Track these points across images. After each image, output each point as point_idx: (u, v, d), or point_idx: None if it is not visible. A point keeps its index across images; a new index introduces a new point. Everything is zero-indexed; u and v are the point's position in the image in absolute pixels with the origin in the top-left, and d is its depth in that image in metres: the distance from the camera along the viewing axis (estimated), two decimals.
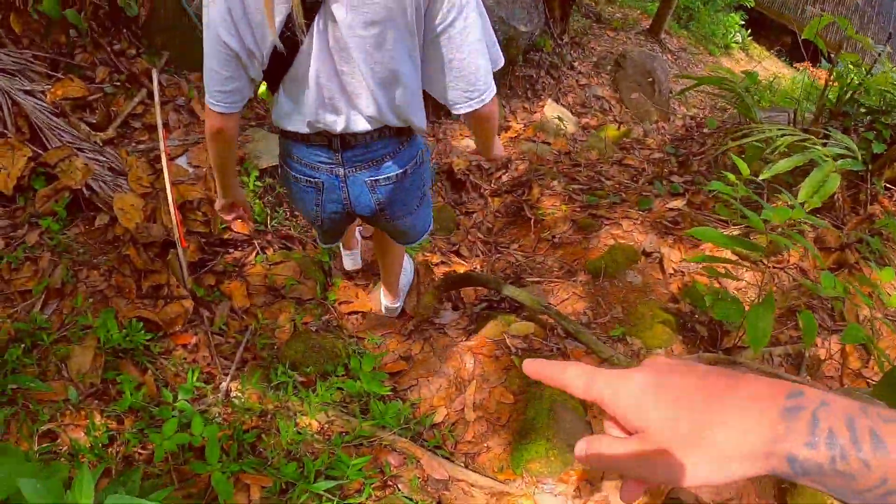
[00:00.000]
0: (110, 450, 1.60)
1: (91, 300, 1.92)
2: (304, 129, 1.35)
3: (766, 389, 0.41)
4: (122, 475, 1.29)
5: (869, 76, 2.74)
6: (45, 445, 1.52)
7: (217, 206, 1.66)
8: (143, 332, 1.94)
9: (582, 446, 0.46)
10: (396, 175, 1.48)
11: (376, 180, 1.47)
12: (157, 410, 1.73)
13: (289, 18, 1.13)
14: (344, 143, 1.38)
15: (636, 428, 0.44)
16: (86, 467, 1.07)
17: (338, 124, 1.31)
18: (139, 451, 1.64)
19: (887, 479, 0.36)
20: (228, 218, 1.70)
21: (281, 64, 1.21)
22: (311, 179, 1.47)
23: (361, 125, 1.32)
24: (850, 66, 2.77)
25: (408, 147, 1.47)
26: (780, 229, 1.67)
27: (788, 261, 1.87)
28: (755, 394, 0.41)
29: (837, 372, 2.00)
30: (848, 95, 2.76)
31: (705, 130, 3.57)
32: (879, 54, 3.10)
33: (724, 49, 7.53)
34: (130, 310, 1.93)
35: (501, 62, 1.32)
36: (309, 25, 1.14)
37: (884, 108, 2.60)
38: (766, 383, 0.41)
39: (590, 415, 1.99)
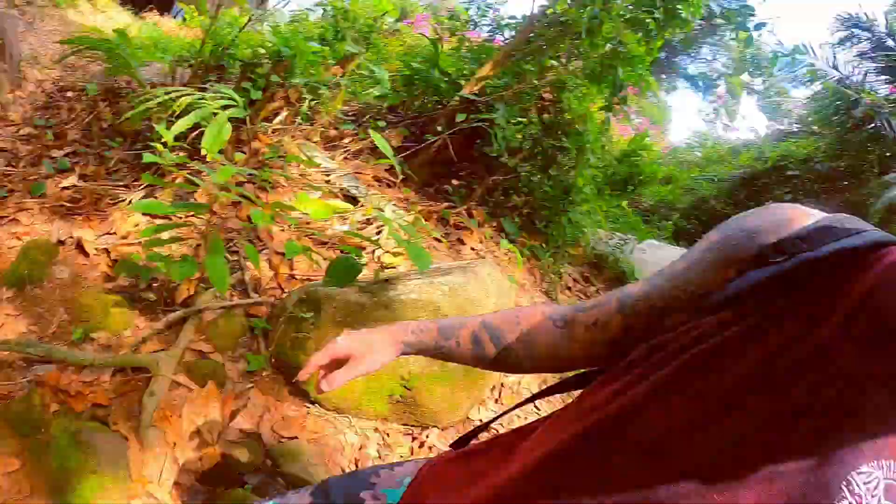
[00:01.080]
0: None
1: None
2: None
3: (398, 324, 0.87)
4: None
5: (241, 31, 2.98)
6: None
7: None
8: None
9: (325, 384, 0.80)
10: None
11: None
12: None
13: None
14: None
15: (346, 355, 0.80)
16: None
17: None
18: None
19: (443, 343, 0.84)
20: None
21: None
22: None
23: None
24: (227, 23, 2.91)
25: None
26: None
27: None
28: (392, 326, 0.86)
29: (273, 281, 2.35)
30: (221, 50, 2.92)
31: (69, 94, 3.09)
32: (251, 18, 3.38)
33: None
34: None
35: None
36: None
37: (256, 60, 2.85)
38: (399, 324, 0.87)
39: (113, 427, 1.73)
